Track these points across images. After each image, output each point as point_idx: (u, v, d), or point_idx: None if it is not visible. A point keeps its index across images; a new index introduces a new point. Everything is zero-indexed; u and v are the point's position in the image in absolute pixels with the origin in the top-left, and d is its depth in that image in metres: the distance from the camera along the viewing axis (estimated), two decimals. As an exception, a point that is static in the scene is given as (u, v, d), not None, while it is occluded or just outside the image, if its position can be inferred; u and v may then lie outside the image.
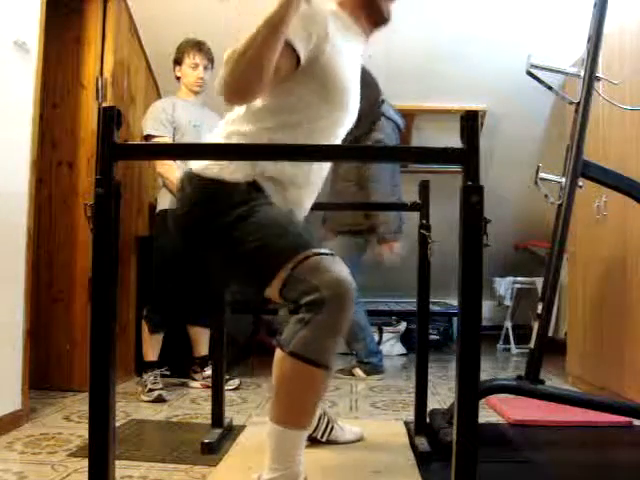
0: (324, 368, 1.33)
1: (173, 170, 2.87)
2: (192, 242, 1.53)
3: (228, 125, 1.55)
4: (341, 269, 1.36)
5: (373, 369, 3.37)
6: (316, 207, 1.72)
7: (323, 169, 1.64)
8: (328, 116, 1.53)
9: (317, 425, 1.94)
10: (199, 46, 2.93)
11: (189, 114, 2.94)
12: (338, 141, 1.61)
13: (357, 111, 1.65)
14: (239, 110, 1.54)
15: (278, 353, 1.36)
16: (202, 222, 1.47)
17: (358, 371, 3.35)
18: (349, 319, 1.35)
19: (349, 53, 1.55)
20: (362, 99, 1.69)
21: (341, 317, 1.32)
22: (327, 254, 1.38)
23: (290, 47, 1.38)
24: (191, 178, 1.51)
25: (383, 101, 3.24)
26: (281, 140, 1.47)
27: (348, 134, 1.66)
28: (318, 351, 1.31)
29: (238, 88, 1.36)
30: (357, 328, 3.34)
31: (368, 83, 1.85)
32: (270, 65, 1.33)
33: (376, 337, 4.16)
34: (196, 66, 2.94)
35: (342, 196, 3.24)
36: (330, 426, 1.96)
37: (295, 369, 1.32)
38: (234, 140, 1.51)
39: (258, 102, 1.49)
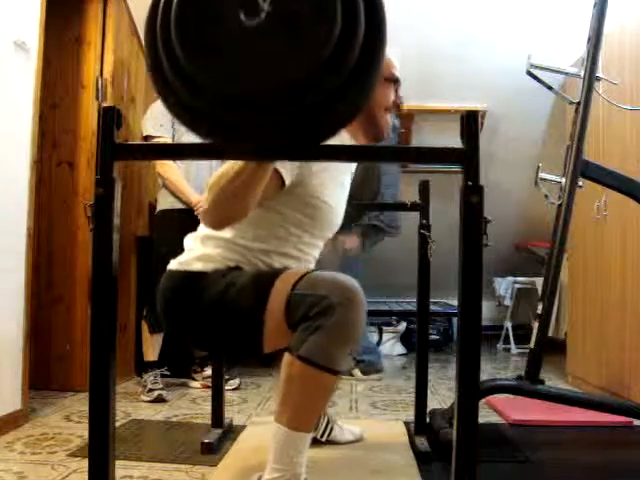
0: (333, 373, 1.32)
1: (173, 170, 2.87)
2: (186, 325, 1.55)
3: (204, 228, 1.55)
4: (342, 276, 1.36)
5: (370, 367, 3.36)
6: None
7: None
8: (309, 231, 1.54)
9: (317, 425, 1.94)
10: None
11: (189, 114, 2.94)
12: (318, 249, 1.62)
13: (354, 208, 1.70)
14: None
15: (287, 356, 1.35)
16: (190, 303, 1.49)
17: (356, 371, 3.35)
18: (361, 324, 1.34)
19: (338, 170, 1.55)
20: (364, 192, 1.70)
21: (351, 321, 1.31)
22: (321, 269, 1.42)
23: (276, 170, 1.37)
24: (171, 275, 1.55)
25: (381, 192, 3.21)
26: (259, 248, 1.49)
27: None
28: (328, 356, 1.30)
29: (219, 218, 1.36)
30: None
31: (370, 178, 1.88)
32: (255, 198, 1.31)
33: (376, 337, 4.16)
34: (196, 66, 2.94)
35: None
36: (330, 426, 1.96)
37: (304, 373, 1.31)
38: (209, 243, 1.53)
39: None
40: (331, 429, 1.96)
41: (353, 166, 1.70)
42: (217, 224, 1.38)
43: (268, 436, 1.41)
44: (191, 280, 1.50)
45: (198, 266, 1.51)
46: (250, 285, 1.42)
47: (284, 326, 1.37)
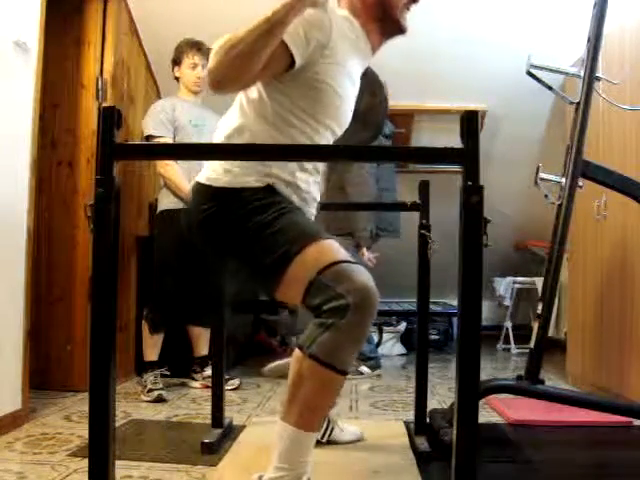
0: (342, 374, 1.33)
1: (174, 170, 2.87)
2: (210, 247, 1.54)
3: (225, 126, 1.56)
4: (367, 278, 1.35)
5: (375, 364, 3.46)
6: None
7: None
8: (316, 122, 1.52)
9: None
10: (197, 46, 2.93)
11: (189, 114, 2.94)
12: (325, 140, 1.60)
13: (362, 116, 1.65)
14: (234, 110, 1.55)
15: (297, 354, 1.35)
16: (219, 226, 1.47)
17: (364, 368, 3.38)
18: (370, 326, 1.35)
19: (350, 64, 1.54)
20: (370, 98, 1.69)
21: (364, 324, 1.32)
22: (353, 262, 1.38)
23: (286, 48, 1.37)
24: (202, 190, 1.51)
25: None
26: (268, 137, 1.47)
27: (352, 135, 1.65)
28: (338, 356, 1.31)
29: (221, 77, 1.35)
30: None
31: (374, 83, 1.86)
32: (258, 62, 1.33)
33: (376, 337, 4.17)
34: (195, 66, 2.94)
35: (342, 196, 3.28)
36: (330, 427, 1.96)
37: (313, 372, 1.32)
38: (234, 137, 1.51)
39: (250, 98, 1.50)
40: (332, 429, 1.96)
41: (362, 69, 1.66)
42: (218, 84, 1.37)
43: (268, 436, 1.41)
44: (223, 199, 1.47)
45: (226, 179, 1.47)
46: (285, 235, 1.40)
47: (300, 292, 1.37)
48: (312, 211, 1.62)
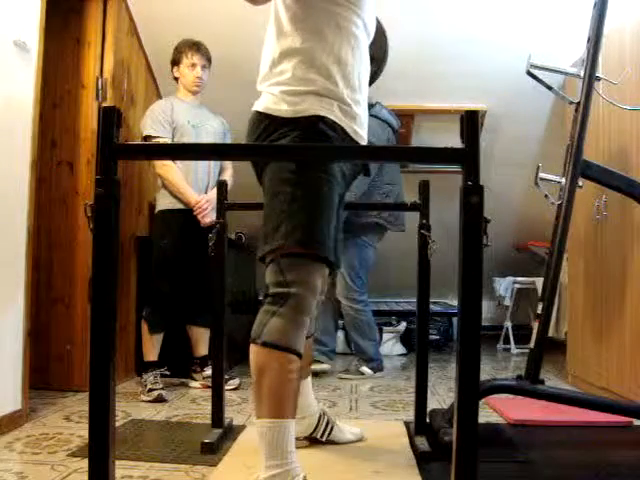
0: (295, 354, 1.41)
1: (173, 171, 2.87)
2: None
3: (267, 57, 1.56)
4: (319, 280, 1.45)
5: (378, 366, 3.43)
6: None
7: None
8: (358, 18, 1.53)
9: (317, 425, 1.94)
10: (197, 46, 2.93)
11: (188, 114, 2.94)
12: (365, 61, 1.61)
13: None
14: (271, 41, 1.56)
15: (252, 348, 1.42)
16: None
17: (366, 369, 3.37)
18: (308, 317, 1.45)
19: None
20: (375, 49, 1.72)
21: (301, 313, 1.43)
22: (321, 263, 1.45)
23: None
24: (262, 118, 1.52)
25: (375, 103, 3.26)
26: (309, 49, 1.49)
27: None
28: (287, 338, 1.40)
29: None
30: (368, 328, 3.39)
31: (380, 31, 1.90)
32: None
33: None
34: (194, 66, 2.94)
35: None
36: (330, 426, 1.96)
37: (269, 358, 1.39)
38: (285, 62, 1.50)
39: (286, 17, 1.51)
40: (331, 429, 1.96)
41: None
42: None
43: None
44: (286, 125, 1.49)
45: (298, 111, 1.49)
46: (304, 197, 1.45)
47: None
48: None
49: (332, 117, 1.49)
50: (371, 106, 3.32)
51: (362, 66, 1.58)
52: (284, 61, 1.51)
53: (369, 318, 3.41)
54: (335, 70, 1.49)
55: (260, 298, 4.74)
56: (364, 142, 1.62)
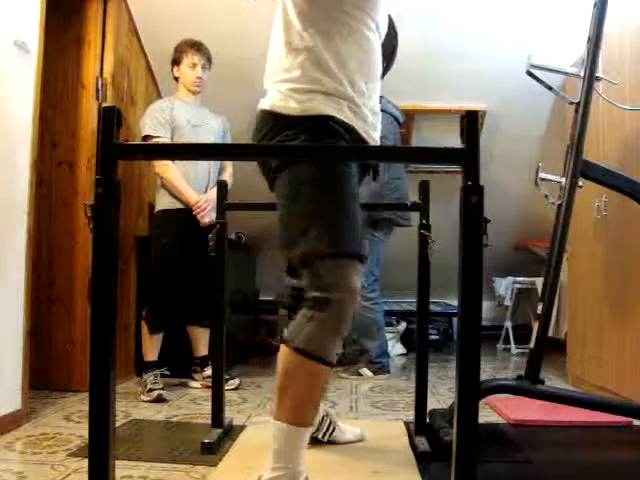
0: (328, 365, 1.36)
1: (172, 170, 2.87)
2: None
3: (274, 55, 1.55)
4: (357, 280, 1.40)
5: (381, 369, 3.39)
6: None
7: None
8: (369, 18, 1.51)
9: (319, 425, 1.94)
10: (197, 46, 2.93)
11: (188, 114, 2.94)
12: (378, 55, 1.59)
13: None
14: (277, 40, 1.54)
15: (283, 349, 1.38)
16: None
17: (366, 370, 3.36)
18: (347, 325, 1.38)
19: None
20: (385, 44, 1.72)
21: (341, 322, 1.37)
22: (355, 260, 1.42)
23: None
24: (269, 116, 1.50)
25: (381, 97, 3.28)
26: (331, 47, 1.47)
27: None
28: (322, 348, 1.35)
29: None
30: (375, 328, 3.35)
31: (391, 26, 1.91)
32: None
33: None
34: (194, 66, 2.94)
35: None
36: (332, 427, 1.96)
37: (300, 365, 1.35)
38: (299, 57, 1.48)
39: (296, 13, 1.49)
40: (333, 429, 1.96)
41: None
42: None
43: (268, 436, 1.41)
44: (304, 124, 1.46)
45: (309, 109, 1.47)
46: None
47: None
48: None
49: (342, 117, 1.46)
50: None
51: (372, 68, 1.56)
52: (292, 58, 1.49)
53: (377, 318, 3.36)
54: (342, 71, 1.47)
55: (260, 298, 4.74)
56: (376, 144, 1.60)
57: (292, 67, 1.48)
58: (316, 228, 1.39)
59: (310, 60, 1.47)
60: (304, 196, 1.42)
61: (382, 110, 3.28)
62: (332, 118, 1.45)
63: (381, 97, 3.31)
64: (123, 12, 3.08)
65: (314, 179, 1.42)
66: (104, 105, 2.78)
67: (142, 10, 3.18)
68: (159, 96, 3.51)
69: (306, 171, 1.43)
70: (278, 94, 1.50)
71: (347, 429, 2.02)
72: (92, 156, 2.83)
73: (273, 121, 1.49)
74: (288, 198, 1.46)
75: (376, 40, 1.57)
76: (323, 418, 1.95)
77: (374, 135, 1.58)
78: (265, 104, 1.53)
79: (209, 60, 2.98)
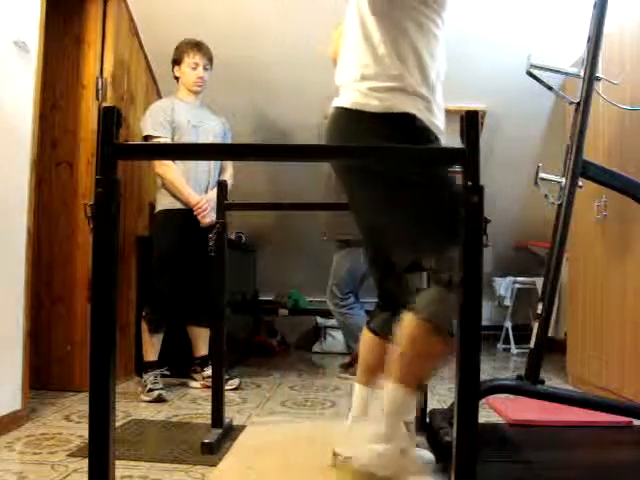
0: (451, 335, 1.42)
1: (173, 171, 2.87)
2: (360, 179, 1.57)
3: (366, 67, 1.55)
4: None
5: None
6: (315, 207, 1.72)
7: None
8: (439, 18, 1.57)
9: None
10: (199, 46, 2.93)
11: (188, 114, 2.94)
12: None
13: None
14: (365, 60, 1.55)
15: (410, 318, 1.45)
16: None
17: None
18: None
19: None
20: None
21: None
22: None
23: None
24: (350, 114, 1.52)
25: None
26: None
27: None
28: (449, 321, 1.41)
29: None
30: (356, 329, 3.35)
31: None
32: None
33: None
34: (196, 66, 2.94)
35: (340, 199, 3.29)
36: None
37: (427, 334, 1.44)
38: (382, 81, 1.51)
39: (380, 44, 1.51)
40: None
41: None
42: None
43: (268, 436, 1.42)
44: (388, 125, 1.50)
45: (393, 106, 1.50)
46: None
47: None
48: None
49: (421, 116, 1.52)
50: None
51: (439, 65, 1.61)
52: (368, 57, 1.52)
53: (357, 320, 3.35)
54: (418, 69, 1.52)
55: (260, 298, 4.73)
56: (444, 140, 1.63)
57: (370, 64, 1.52)
58: (436, 232, 1.47)
59: (388, 57, 1.50)
60: (415, 199, 1.47)
61: None
62: (414, 117, 1.50)
63: None
64: (123, 12, 3.08)
65: (419, 182, 1.47)
66: (104, 105, 2.78)
67: (142, 10, 3.18)
68: (159, 96, 3.51)
69: (407, 175, 1.47)
70: (357, 93, 1.53)
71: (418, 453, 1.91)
72: (92, 156, 2.83)
73: (356, 118, 1.52)
74: (389, 201, 1.51)
75: (442, 38, 1.61)
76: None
77: (442, 129, 1.62)
78: (344, 102, 1.56)
79: (210, 60, 2.98)
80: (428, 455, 1.92)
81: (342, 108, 1.56)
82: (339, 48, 1.72)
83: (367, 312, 3.54)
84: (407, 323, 1.46)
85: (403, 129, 1.49)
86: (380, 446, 1.44)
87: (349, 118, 1.53)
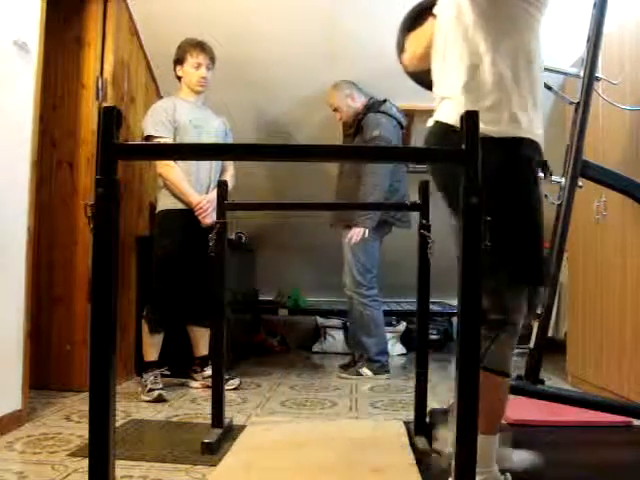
0: (509, 377, 1.57)
1: (174, 171, 2.87)
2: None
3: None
4: (524, 304, 1.55)
5: (381, 368, 3.37)
6: (315, 207, 1.72)
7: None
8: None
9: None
10: (202, 46, 2.93)
11: (190, 114, 2.94)
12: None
13: None
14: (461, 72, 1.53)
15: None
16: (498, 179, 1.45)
17: (366, 370, 3.34)
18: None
19: None
20: None
21: (515, 338, 1.57)
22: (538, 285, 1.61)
23: None
24: (451, 130, 1.45)
25: (385, 100, 3.31)
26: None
27: None
28: (504, 363, 1.54)
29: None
30: (372, 325, 3.35)
31: None
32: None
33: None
34: (199, 65, 2.94)
35: (346, 190, 3.30)
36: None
37: (488, 381, 1.44)
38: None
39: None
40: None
41: None
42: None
43: (268, 436, 1.42)
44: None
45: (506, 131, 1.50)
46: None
47: None
48: None
49: (530, 136, 1.53)
50: (381, 103, 3.34)
51: (541, 66, 1.64)
52: (469, 68, 1.50)
53: (376, 315, 3.36)
54: (523, 83, 1.52)
55: (260, 298, 4.72)
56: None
57: (472, 78, 1.50)
58: (514, 254, 1.50)
59: (491, 73, 1.48)
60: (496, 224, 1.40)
61: (387, 114, 3.33)
62: (521, 140, 1.50)
63: (385, 100, 3.34)
64: (123, 12, 3.08)
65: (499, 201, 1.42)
66: (104, 105, 2.78)
67: (142, 10, 3.18)
68: (159, 96, 3.51)
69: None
70: (459, 108, 1.42)
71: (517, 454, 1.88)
72: (92, 156, 2.83)
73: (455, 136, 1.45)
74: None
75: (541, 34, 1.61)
76: None
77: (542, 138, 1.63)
78: (446, 117, 1.53)
79: (213, 60, 2.98)
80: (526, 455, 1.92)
81: (442, 123, 1.53)
82: (420, 48, 1.70)
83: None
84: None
85: (511, 155, 1.50)
86: None
87: (449, 134, 1.45)
